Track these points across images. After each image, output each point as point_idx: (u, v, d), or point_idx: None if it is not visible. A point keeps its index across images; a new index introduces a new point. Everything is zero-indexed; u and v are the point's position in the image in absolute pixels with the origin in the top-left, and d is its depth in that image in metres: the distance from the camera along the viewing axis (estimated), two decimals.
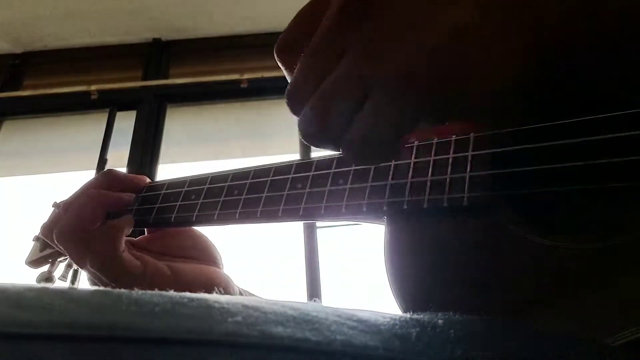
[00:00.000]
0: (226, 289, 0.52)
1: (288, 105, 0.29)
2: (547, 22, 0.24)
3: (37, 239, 0.61)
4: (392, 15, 0.25)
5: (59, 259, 0.60)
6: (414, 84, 0.24)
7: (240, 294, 0.55)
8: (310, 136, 0.28)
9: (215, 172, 0.50)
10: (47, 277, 0.58)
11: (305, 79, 0.28)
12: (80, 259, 0.47)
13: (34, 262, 0.60)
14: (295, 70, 0.29)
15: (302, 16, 0.31)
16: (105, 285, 0.46)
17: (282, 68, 0.32)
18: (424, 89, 0.24)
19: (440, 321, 0.23)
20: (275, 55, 0.32)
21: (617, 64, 0.25)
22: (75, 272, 2.08)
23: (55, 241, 0.48)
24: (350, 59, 0.26)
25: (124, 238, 0.48)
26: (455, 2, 0.24)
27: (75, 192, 0.53)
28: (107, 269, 0.46)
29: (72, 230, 0.47)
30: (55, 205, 0.64)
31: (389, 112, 0.25)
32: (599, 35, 0.24)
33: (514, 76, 0.25)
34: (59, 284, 0.60)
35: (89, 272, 0.48)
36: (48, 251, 0.59)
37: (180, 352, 0.16)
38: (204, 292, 0.48)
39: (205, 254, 0.54)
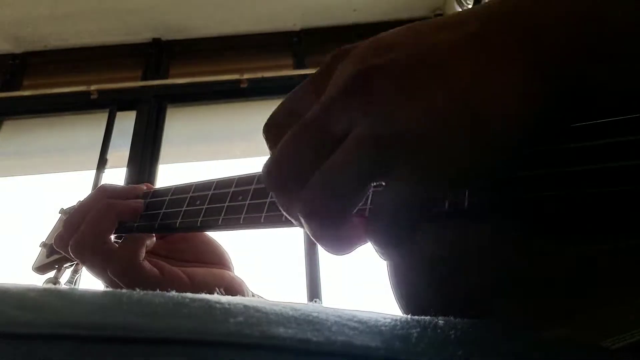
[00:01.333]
0: (241, 293, 0.52)
1: (270, 183, 0.26)
2: (565, 68, 0.22)
3: (44, 245, 0.61)
4: (399, 79, 0.23)
5: (65, 265, 0.60)
6: (439, 148, 0.22)
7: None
8: (319, 216, 0.25)
9: (220, 178, 0.50)
10: (54, 283, 0.58)
11: (300, 153, 0.25)
12: (99, 270, 0.47)
13: (41, 268, 0.60)
14: (284, 143, 0.25)
15: (297, 93, 0.28)
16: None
17: (267, 145, 0.29)
18: (450, 153, 0.22)
19: (441, 322, 0.23)
20: (263, 134, 0.29)
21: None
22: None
23: (72, 254, 0.48)
24: (363, 129, 0.23)
25: (144, 248, 0.49)
26: (461, 55, 0.23)
27: (81, 204, 0.52)
28: (127, 278, 0.46)
29: (91, 243, 0.47)
30: (62, 211, 0.65)
31: (416, 181, 0.23)
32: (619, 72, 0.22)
33: (533, 123, 0.23)
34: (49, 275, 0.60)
35: (108, 280, 0.48)
36: (55, 257, 0.59)
37: (182, 353, 0.16)
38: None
39: (217, 258, 0.54)
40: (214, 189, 0.49)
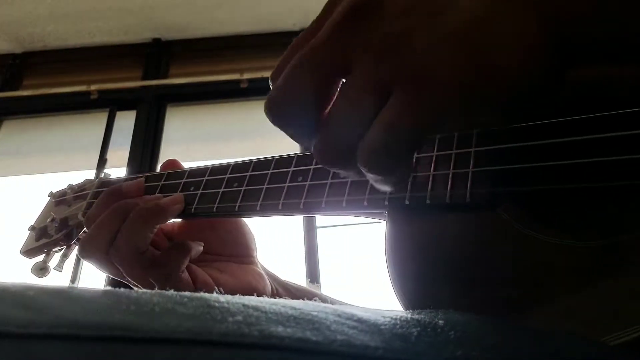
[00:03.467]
0: (264, 292, 0.49)
1: (273, 118, 0.26)
2: (571, 15, 0.23)
3: (32, 228, 0.59)
4: (400, 10, 0.24)
5: (54, 249, 0.58)
6: (441, 79, 0.22)
7: (280, 289, 0.52)
8: (330, 156, 0.25)
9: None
10: (42, 267, 0.56)
11: (299, 83, 0.25)
12: (138, 278, 0.44)
13: (29, 252, 0.58)
14: (284, 76, 0.25)
15: (300, 40, 0.28)
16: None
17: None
18: (451, 84, 0.22)
19: (441, 322, 0.23)
20: (270, 82, 0.28)
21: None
22: (78, 263, 2.05)
23: (114, 262, 0.44)
24: (364, 62, 0.24)
25: (189, 259, 0.46)
26: None
27: (97, 209, 0.48)
28: (163, 287, 0.42)
29: (129, 256, 0.44)
30: (52, 194, 0.63)
31: (416, 110, 0.23)
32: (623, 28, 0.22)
33: (539, 70, 0.23)
34: (54, 274, 0.58)
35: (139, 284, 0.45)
36: (43, 241, 0.58)
37: (180, 352, 0.16)
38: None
39: (243, 250, 0.51)
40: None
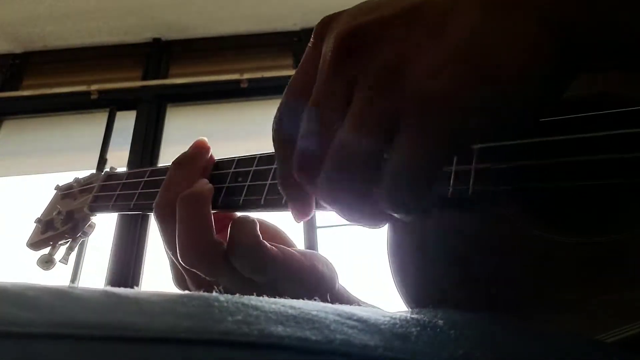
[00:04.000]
0: (337, 276, 0.44)
1: (301, 179, 0.25)
2: (572, 19, 0.22)
3: (38, 221, 0.60)
4: (396, 35, 0.23)
5: (60, 242, 0.59)
6: (445, 101, 0.21)
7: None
8: (344, 202, 0.24)
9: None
10: (48, 260, 0.57)
11: (315, 138, 0.24)
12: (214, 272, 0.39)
13: (35, 245, 0.59)
14: (301, 134, 0.25)
15: (294, 84, 0.28)
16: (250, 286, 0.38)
17: (278, 153, 0.28)
18: (457, 104, 0.22)
19: (440, 321, 0.23)
20: (273, 139, 0.28)
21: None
22: (78, 263, 2.04)
23: (182, 263, 0.39)
24: (364, 92, 0.23)
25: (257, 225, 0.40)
26: (457, 9, 0.22)
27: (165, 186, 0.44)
28: (252, 260, 0.38)
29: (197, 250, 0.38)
30: (58, 188, 0.64)
31: (427, 142, 0.22)
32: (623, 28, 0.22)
33: (544, 77, 0.22)
34: (59, 266, 0.58)
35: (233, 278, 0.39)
36: (49, 233, 0.58)
37: (179, 352, 0.16)
38: (330, 279, 0.41)
39: (288, 243, 0.46)
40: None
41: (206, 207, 0.41)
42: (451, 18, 0.22)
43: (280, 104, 0.28)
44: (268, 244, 0.39)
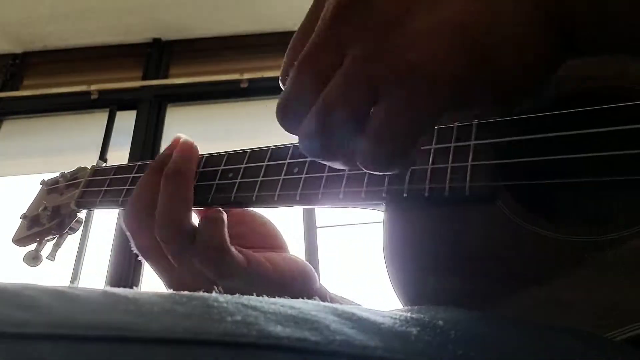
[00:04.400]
0: (314, 278, 0.46)
1: (281, 122, 0.26)
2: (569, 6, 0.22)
3: (24, 217, 0.59)
4: (392, 3, 0.23)
5: (46, 238, 0.57)
6: (431, 76, 0.22)
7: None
8: (317, 151, 0.25)
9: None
10: (35, 257, 0.55)
11: (300, 88, 0.25)
12: (180, 255, 0.41)
13: (21, 241, 0.58)
14: (288, 82, 0.26)
15: (296, 41, 0.28)
16: (207, 285, 0.40)
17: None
18: (442, 80, 0.22)
19: (440, 321, 0.23)
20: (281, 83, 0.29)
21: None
22: (78, 262, 2.04)
23: (159, 237, 0.41)
24: (354, 58, 0.23)
25: (226, 227, 0.42)
26: None
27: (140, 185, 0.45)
28: (216, 264, 0.40)
29: (175, 223, 0.41)
30: (44, 182, 0.62)
31: (407, 111, 0.23)
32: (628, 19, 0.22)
33: (537, 63, 0.23)
34: (46, 263, 0.57)
35: (190, 270, 0.41)
36: (35, 229, 0.57)
37: (178, 352, 0.16)
38: (301, 284, 0.43)
39: (276, 242, 0.48)
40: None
41: (189, 184, 0.43)
42: None
43: (284, 60, 0.29)
44: (234, 250, 0.41)
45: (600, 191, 0.32)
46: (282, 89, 0.27)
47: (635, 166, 0.28)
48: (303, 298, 0.42)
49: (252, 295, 0.22)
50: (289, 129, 0.27)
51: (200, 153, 0.51)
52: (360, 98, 0.23)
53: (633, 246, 0.27)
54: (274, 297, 0.22)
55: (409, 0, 0.23)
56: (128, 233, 0.44)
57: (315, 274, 0.47)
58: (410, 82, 0.22)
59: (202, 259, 0.40)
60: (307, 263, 0.47)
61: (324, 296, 0.46)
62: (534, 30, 0.22)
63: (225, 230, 0.41)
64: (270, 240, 0.48)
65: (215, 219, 0.41)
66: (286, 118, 0.26)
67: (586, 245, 0.28)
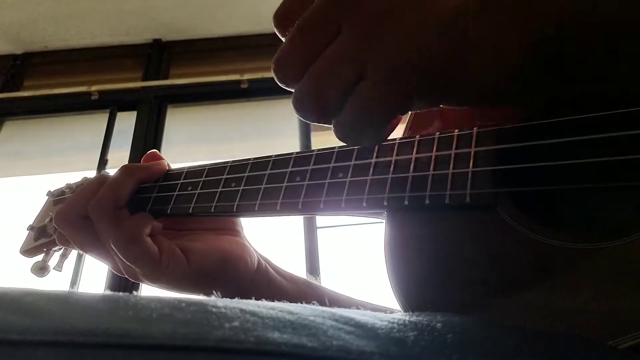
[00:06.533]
0: (243, 259, 0.49)
1: (275, 72, 0.30)
2: (550, 13, 0.24)
3: (31, 228, 0.59)
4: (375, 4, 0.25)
5: (53, 249, 0.58)
6: (411, 67, 0.24)
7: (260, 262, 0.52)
8: (304, 113, 0.29)
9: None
10: (42, 267, 0.56)
11: (295, 50, 0.28)
12: (105, 236, 0.46)
13: (29, 252, 0.58)
14: (287, 39, 0.29)
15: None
16: (122, 267, 0.47)
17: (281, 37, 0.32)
18: (421, 72, 0.25)
19: (438, 325, 0.23)
20: (274, 25, 0.32)
21: (628, 58, 0.25)
22: (78, 266, 2.03)
23: (91, 214, 0.46)
24: (345, 39, 0.26)
25: (150, 226, 0.47)
26: None
27: (99, 175, 0.51)
28: (129, 250, 0.44)
29: (108, 206, 0.46)
30: (50, 194, 0.63)
31: (384, 94, 0.25)
32: (606, 26, 0.24)
33: (515, 65, 0.25)
34: (53, 273, 0.58)
35: (105, 254, 0.47)
36: (42, 240, 0.58)
37: (176, 359, 0.16)
38: (219, 268, 0.47)
39: (222, 223, 0.52)
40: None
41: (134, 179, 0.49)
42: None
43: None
44: (148, 240, 0.45)
45: (600, 198, 0.32)
46: (275, 27, 0.31)
47: (636, 172, 0.28)
48: (237, 283, 0.47)
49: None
50: (281, 80, 0.30)
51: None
52: (346, 75, 0.26)
53: (634, 253, 0.27)
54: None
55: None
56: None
57: (254, 256, 0.50)
58: (394, 69, 0.25)
59: (117, 240, 0.45)
60: (238, 248, 0.50)
61: (272, 280, 0.51)
62: (516, 51, 0.24)
63: (148, 224, 0.46)
64: (217, 222, 0.51)
65: (139, 216, 0.47)
66: (279, 70, 0.30)
67: (587, 252, 0.28)
